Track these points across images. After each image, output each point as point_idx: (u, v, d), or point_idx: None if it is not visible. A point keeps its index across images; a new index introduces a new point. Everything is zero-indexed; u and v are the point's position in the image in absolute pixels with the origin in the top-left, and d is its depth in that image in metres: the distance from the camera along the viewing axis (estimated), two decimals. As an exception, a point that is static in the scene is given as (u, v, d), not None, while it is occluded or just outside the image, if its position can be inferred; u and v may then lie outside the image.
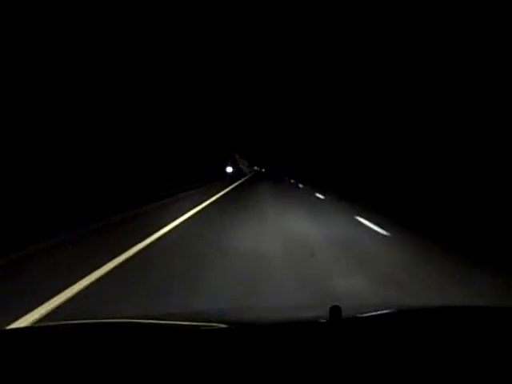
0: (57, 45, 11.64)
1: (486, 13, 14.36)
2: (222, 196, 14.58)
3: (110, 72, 14.79)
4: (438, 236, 6.73)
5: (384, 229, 6.89)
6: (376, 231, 6.86)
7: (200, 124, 31.92)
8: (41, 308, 2.90)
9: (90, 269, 3.89)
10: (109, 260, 4.28)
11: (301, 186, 23.09)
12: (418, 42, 18.59)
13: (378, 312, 1.47)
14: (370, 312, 1.46)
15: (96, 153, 13.56)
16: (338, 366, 0.85)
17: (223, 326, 1.23)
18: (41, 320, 2.70)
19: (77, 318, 1.39)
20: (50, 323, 1.72)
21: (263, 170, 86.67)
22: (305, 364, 0.86)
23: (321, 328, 1.13)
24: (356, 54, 28.52)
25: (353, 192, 18.28)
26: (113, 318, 1.39)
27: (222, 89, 37.63)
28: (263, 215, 9.03)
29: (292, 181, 30.84)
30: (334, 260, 4.66)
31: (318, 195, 15.64)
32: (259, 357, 0.90)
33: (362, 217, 8.48)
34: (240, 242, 5.58)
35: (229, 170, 51.10)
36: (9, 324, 2.55)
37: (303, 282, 3.76)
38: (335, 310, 1.07)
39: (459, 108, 16.34)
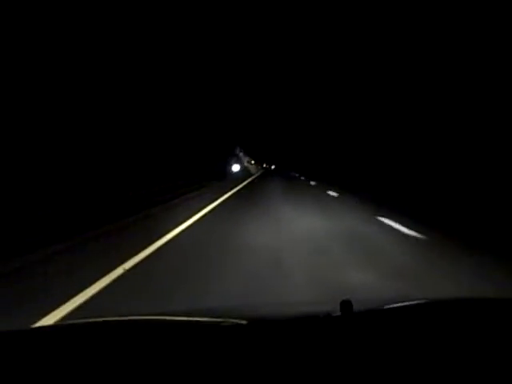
0: (58, 45, 11.57)
1: (486, 13, 14.34)
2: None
3: (112, 69, 15.06)
4: None
5: None
6: None
7: (203, 121, 29.75)
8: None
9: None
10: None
11: (334, 194, 13.66)
12: (418, 42, 18.67)
13: (390, 306, 1.46)
14: (382, 306, 1.46)
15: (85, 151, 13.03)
16: (348, 361, 0.86)
17: (234, 321, 1.23)
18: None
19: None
20: (71, 321, 1.90)
21: (273, 168, 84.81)
22: (316, 359, 0.87)
23: (332, 322, 1.13)
24: (360, 50, 28.58)
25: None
26: (129, 316, 1.42)
27: (228, 85, 35.65)
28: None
29: (313, 183, 22.53)
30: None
31: (397, 226, 6.44)
32: (271, 352, 0.91)
33: None
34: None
35: (235, 168, 47.14)
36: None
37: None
38: (346, 305, 1.08)
39: (458, 106, 16.34)
